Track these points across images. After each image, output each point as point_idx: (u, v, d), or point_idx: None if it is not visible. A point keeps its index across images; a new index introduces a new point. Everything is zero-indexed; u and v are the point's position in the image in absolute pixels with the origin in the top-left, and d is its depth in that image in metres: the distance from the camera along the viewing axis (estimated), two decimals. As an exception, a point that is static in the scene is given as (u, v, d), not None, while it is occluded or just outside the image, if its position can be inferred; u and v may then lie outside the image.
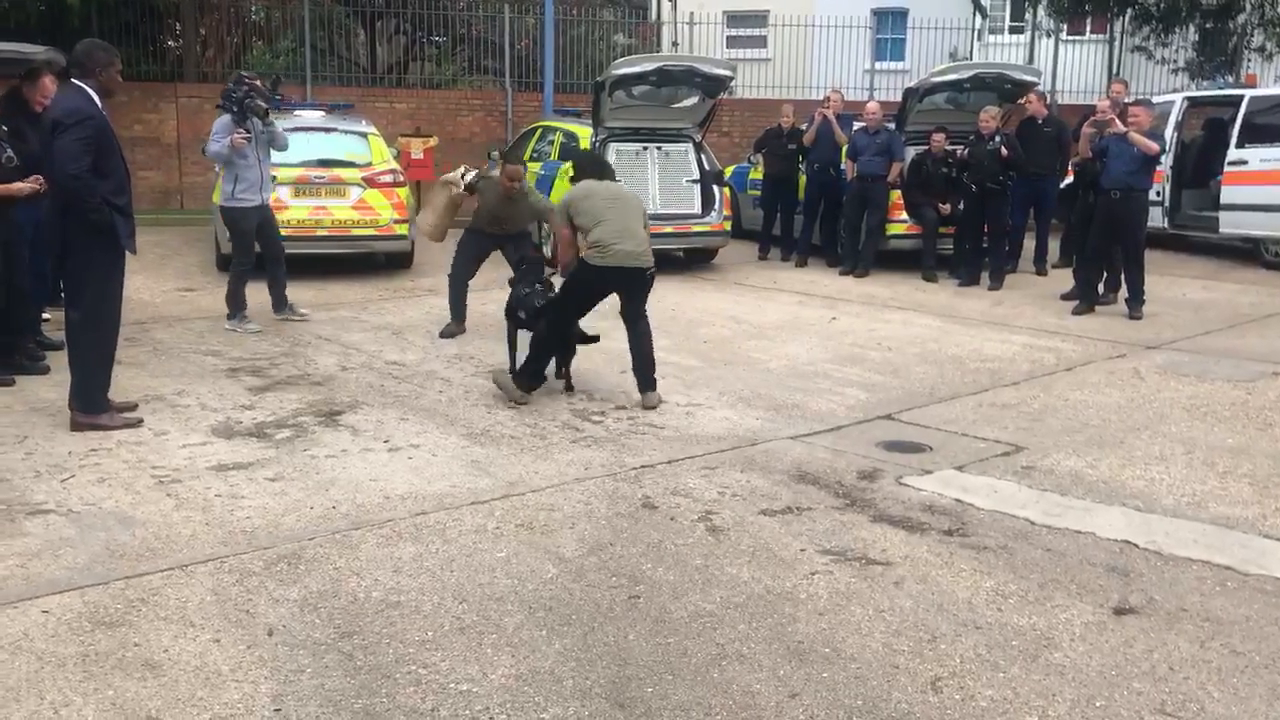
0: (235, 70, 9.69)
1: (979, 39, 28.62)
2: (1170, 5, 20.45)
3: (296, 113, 12.16)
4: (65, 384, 6.82)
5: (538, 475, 5.66)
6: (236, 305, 8.93)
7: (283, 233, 11.23)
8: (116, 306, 6.23)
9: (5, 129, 7.14)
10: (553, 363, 7.19)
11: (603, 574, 4.43)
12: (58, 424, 6.27)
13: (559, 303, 7.12)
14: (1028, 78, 12.31)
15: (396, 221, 11.60)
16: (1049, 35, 24.27)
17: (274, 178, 9.63)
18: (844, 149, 12.58)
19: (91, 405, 6.17)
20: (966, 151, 11.41)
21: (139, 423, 6.32)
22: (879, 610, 4.14)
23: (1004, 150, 11.04)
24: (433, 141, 16.50)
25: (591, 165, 7.38)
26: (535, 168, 13.17)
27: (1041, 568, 4.56)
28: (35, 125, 7.32)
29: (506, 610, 4.09)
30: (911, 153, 12.31)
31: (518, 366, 7.17)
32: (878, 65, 24.86)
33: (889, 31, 29.02)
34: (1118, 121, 9.57)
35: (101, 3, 16.09)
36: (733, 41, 26.58)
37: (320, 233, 11.16)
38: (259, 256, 9.20)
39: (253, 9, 18.40)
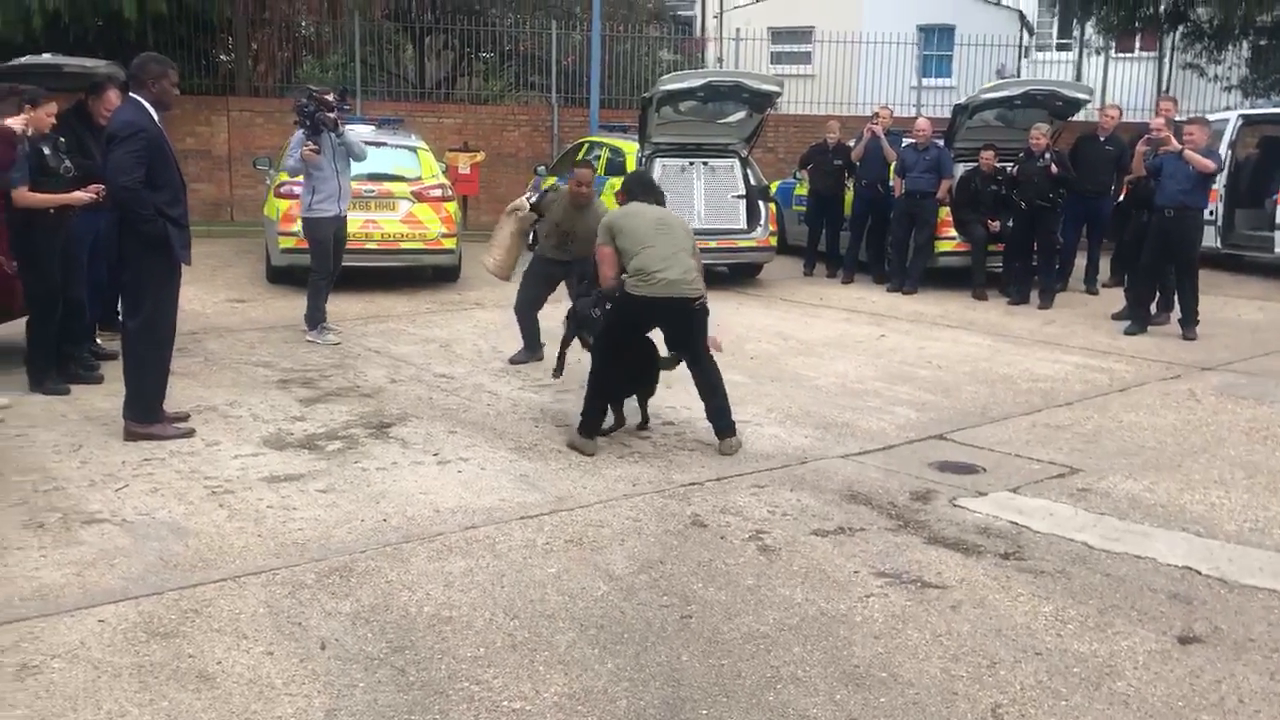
0: (302, 84, 9.76)
1: (1026, 56, 28.42)
2: (1223, 22, 20.17)
3: (348, 127, 12.24)
4: (120, 394, 6.91)
5: (586, 490, 5.64)
6: (316, 315, 8.99)
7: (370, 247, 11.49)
8: (172, 318, 6.29)
9: (64, 141, 7.22)
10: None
11: (654, 592, 4.40)
12: (112, 433, 6.33)
13: (602, 342, 6.56)
14: (1079, 95, 12.20)
15: (444, 235, 11.67)
16: (1098, 53, 24.05)
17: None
18: (892, 166, 12.50)
19: (146, 415, 6.22)
20: (1016, 169, 11.29)
21: (191, 433, 6.36)
22: (936, 635, 4.07)
23: (1053, 168, 10.92)
24: (479, 156, 16.61)
25: (640, 186, 6.89)
26: (582, 182, 13.19)
27: (1101, 593, 4.47)
28: (99, 138, 7.44)
29: (558, 628, 4.07)
30: (960, 170, 12.20)
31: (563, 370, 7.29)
32: (924, 82, 24.76)
33: (935, 48, 28.90)
34: (1173, 139, 9.43)
35: (157, 18, 16.32)
36: (777, 58, 26.50)
37: (370, 246, 11.24)
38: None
39: (304, 24, 18.60)
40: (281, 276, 11.70)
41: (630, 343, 6.53)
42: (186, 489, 5.48)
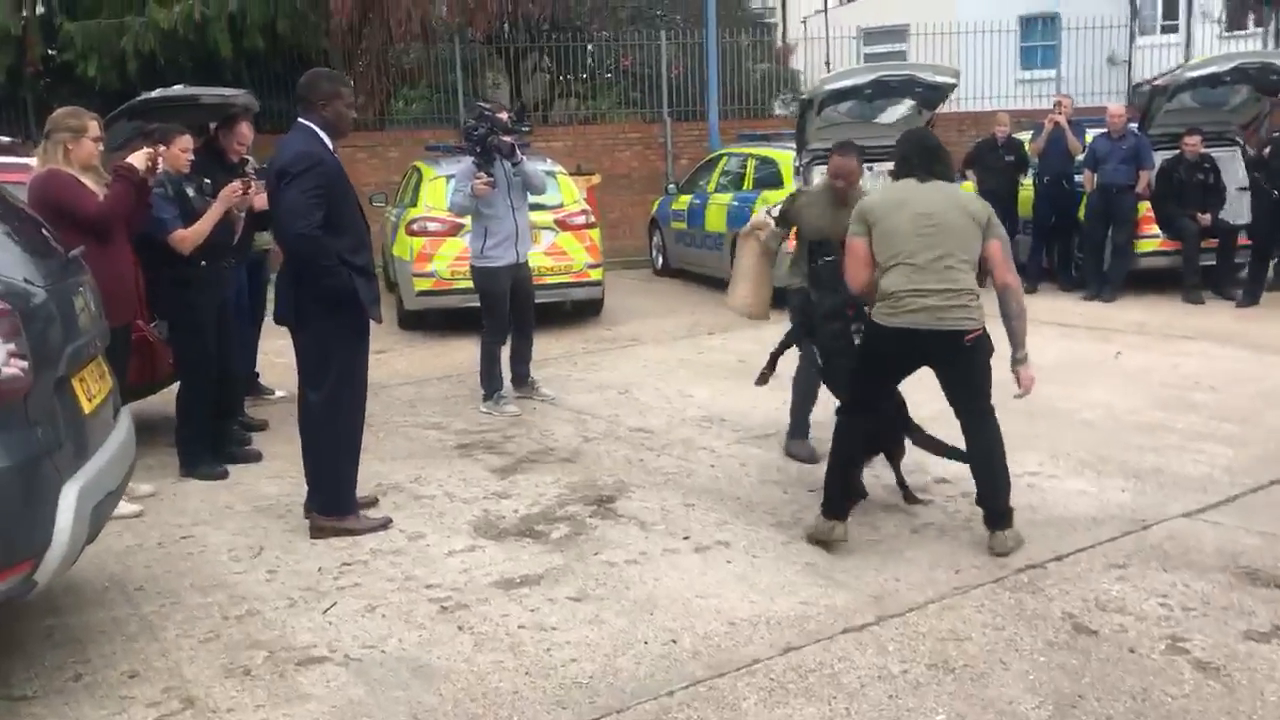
0: (474, 104, 8.47)
1: (1132, 40, 26.82)
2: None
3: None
4: (286, 474, 5.97)
5: (902, 584, 4.45)
6: (492, 384, 7.53)
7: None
8: (362, 388, 5.24)
9: (208, 182, 6.23)
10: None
11: (1099, 748, 3.19)
12: (293, 529, 5.28)
13: (854, 383, 5.07)
14: (1292, 66, 10.80)
15: (591, 266, 10.62)
16: (1217, 23, 22.40)
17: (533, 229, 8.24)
18: (1076, 159, 11.20)
19: (336, 506, 5.16)
20: (1270, 150, 9.89)
21: (388, 523, 5.29)
22: None
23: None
24: (596, 179, 15.51)
25: (920, 154, 4.77)
26: (725, 198, 12.07)
27: None
28: (230, 176, 6.48)
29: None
30: (1159, 159, 10.85)
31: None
32: (1027, 74, 23.34)
33: (1039, 38, 27.39)
34: None
35: (253, 55, 15.57)
36: (869, 59, 25.25)
37: (512, 282, 10.16)
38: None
39: (404, 52, 17.70)
40: (415, 322, 10.71)
41: (882, 389, 5.01)
42: (409, 605, 4.38)
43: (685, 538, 5.04)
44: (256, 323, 7.68)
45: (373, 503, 5.53)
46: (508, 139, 7.29)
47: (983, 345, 4.69)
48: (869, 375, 4.96)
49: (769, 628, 4.08)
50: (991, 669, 3.68)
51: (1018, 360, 4.76)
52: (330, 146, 5.02)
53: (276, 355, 8.29)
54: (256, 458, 6.47)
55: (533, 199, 10.24)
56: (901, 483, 5.40)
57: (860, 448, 5.03)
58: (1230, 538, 4.78)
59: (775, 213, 6.29)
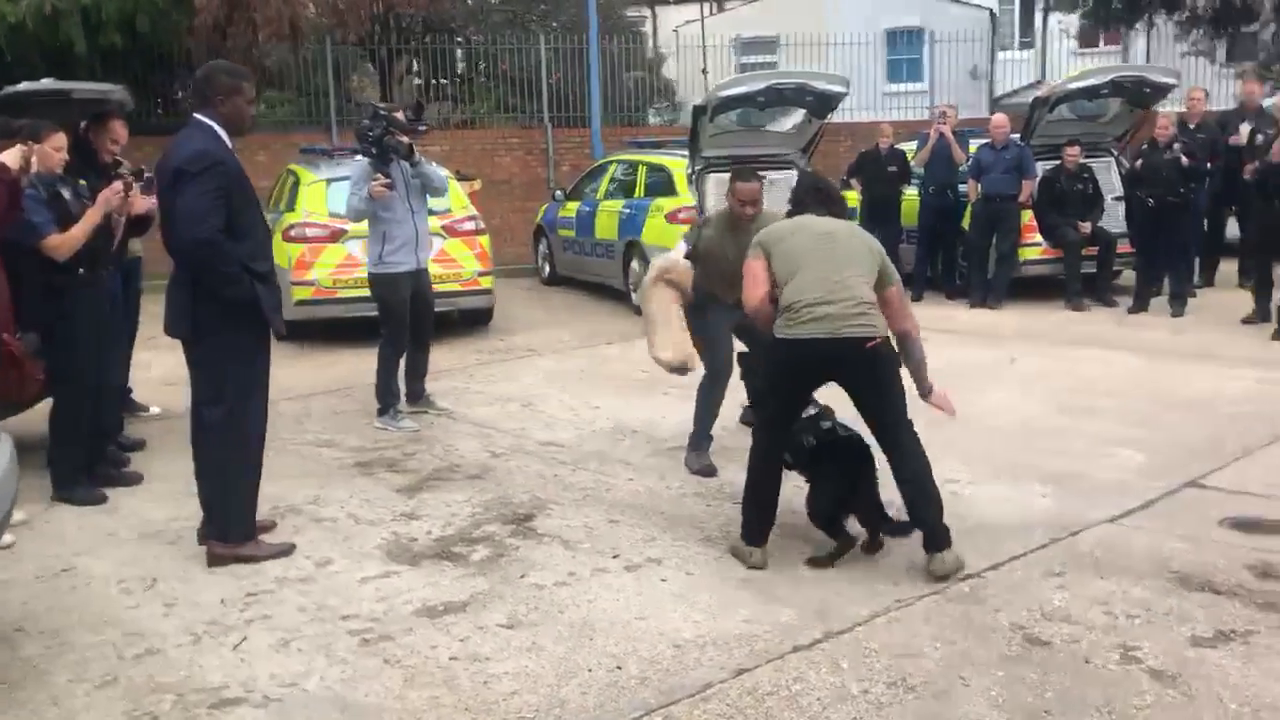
0: (367, 102, 8.03)
1: (993, 55, 27.70)
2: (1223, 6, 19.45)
3: (357, 157, 10.79)
4: (172, 497, 5.61)
5: (843, 598, 4.32)
6: (388, 398, 7.14)
7: (357, 293, 9.96)
8: (262, 405, 4.86)
9: (84, 183, 5.76)
10: None
11: (1076, 766, 3.10)
12: (187, 557, 4.88)
13: (764, 405, 4.97)
14: (1168, 80, 11.17)
15: (481, 274, 10.30)
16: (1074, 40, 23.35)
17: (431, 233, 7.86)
18: (960, 168, 11.39)
19: (235, 532, 4.78)
20: (1140, 162, 10.19)
21: (291, 549, 4.93)
22: None
23: (1184, 158, 9.83)
24: (477, 185, 15.13)
25: (814, 195, 4.99)
26: (616, 206, 11.90)
27: None
28: (102, 178, 6.00)
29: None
30: (1040, 169, 11.10)
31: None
32: (894, 87, 23.88)
33: (904, 52, 28.07)
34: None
35: (109, 52, 14.72)
36: (744, 69, 25.51)
37: (400, 291, 9.77)
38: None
39: (266, 54, 17.00)
40: (294, 333, 10.18)
41: (793, 411, 4.79)
42: (327, 638, 4.06)
43: (614, 556, 4.82)
44: (130, 335, 7.15)
45: (271, 527, 5.17)
46: (405, 139, 6.95)
47: (887, 355, 4.60)
48: (776, 392, 4.79)
49: (716, 649, 3.90)
50: (952, 686, 3.57)
51: (925, 392, 4.83)
52: (230, 145, 4.66)
53: (144, 369, 7.79)
54: (137, 480, 6.01)
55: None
56: (875, 535, 4.79)
57: (773, 475, 4.78)
58: (1156, 543, 4.80)
59: (684, 250, 6.00)
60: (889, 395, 4.59)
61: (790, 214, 5.06)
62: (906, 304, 4.88)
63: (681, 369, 5.98)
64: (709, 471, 5.93)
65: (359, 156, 9.28)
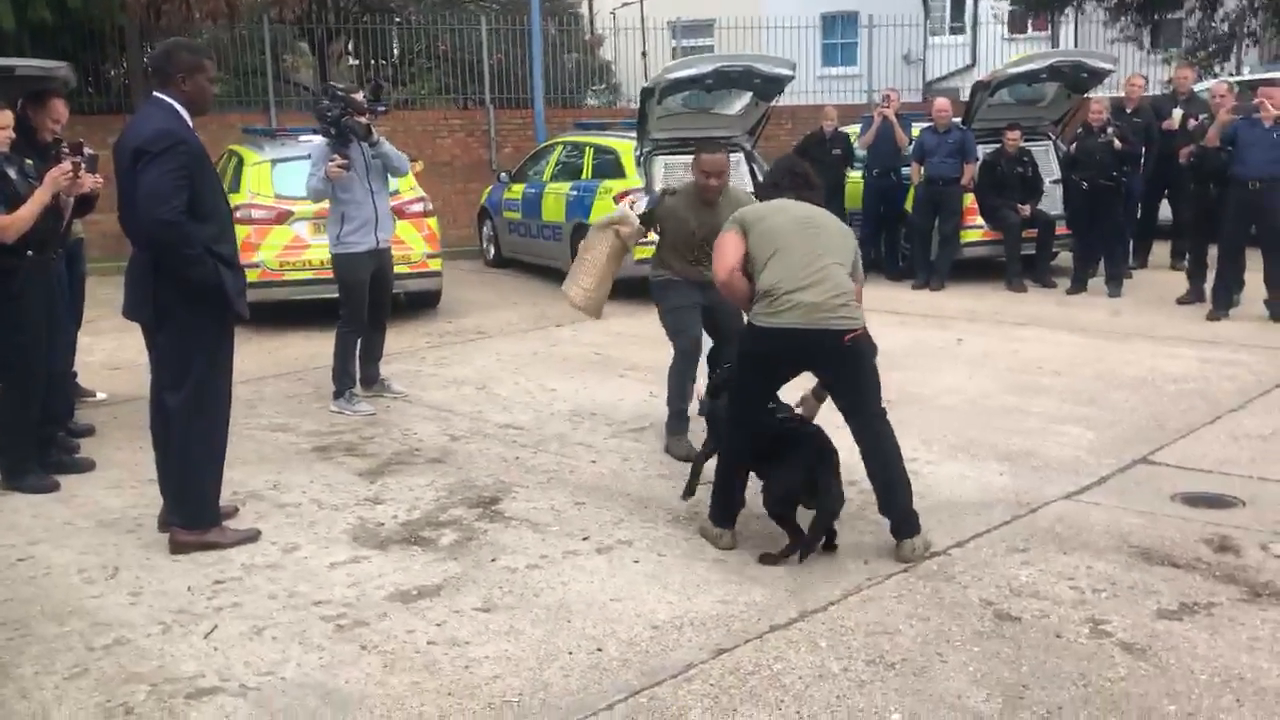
0: (325, 82, 7.90)
1: (926, 40, 28.01)
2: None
3: (302, 138, 10.63)
4: (126, 484, 5.54)
5: (815, 576, 4.37)
6: (344, 380, 7.08)
7: (304, 275, 9.84)
8: (226, 389, 4.80)
9: (30, 163, 5.61)
10: None
11: (1055, 737, 3.18)
12: (148, 545, 4.79)
13: (734, 392, 4.83)
14: (1105, 65, 11.40)
15: (430, 256, 10.22)
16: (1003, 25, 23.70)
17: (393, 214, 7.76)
18: (903, 151, 11.53)
19: (199, 518, 4.70)
20: (1075, 146, 10.39)
21: (256, 535, 4.87)
22: None
23: (1117, 142, 10.04)
24: (419, 166, 14.96)
25: (790, 177, 4.87)
26: (563, 188, 11.84)
27: None
28: (43, 157, 5.85)
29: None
30: (982, 152, 11.27)
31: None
32: (829, 70, 24.02)
33: (839, 36, 28.28)
34: (1269, 105, 8.62)
35: (38, 29, 14.29)
36: (677, 53, 25.49)
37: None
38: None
39: (203, 33, 16.64)
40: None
41: (765, 398, 4.78)
42: (300, 624, 4.02)
43: (585, 538, 4.83)
44: (76, 318, 6.98)
45: (233, 513, 5.09)
46: (363, 119, 6.86)
47: (865, 346, 4.56)
48: (749, 379, 4.72)
49: (694, 629, 3.93)
50: (930, 662, 3.64)
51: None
52: (190, 125, 4.57)
53: (86, 353, 7.61)
54: (89, 466, 5.88)
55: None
56: (830, 536, 4.63)
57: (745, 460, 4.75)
58: (1114, 518, 4.92)
59: (640, 209, 6.00)
60: (865, 385, 4.58)
61: (763, 196, 5.00)
62: (861, 299, 4.71)
63: (588, 313, 6.23)
64: (685, 456, 5.78)
65: (304, 137, 9.16)
